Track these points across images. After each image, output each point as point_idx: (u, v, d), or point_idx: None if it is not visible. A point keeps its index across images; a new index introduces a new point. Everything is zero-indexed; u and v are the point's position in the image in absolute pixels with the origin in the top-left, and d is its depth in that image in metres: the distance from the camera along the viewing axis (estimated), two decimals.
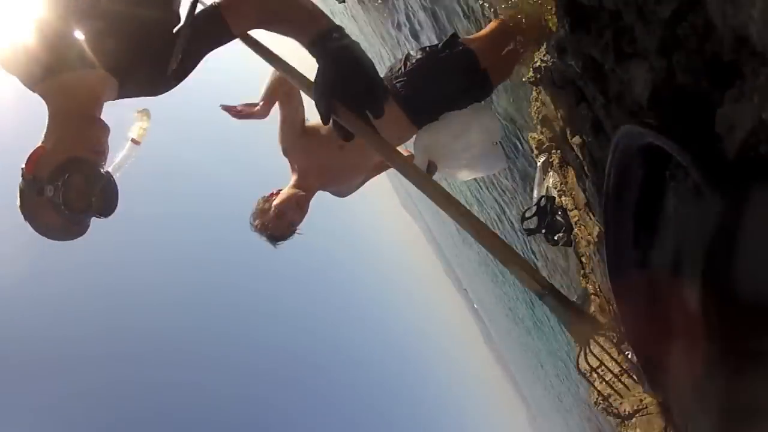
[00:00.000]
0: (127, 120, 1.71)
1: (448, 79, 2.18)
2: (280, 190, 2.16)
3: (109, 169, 1.33)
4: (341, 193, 2.32)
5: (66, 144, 1.23)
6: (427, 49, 2.30)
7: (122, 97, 1.42)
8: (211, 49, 1.44)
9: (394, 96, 2.16)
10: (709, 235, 0.79)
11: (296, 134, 2.10)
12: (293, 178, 2.16)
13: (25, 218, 1.27)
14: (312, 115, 1.94)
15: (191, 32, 1.33)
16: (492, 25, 2.60)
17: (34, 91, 1.27)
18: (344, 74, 1.16)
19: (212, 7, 1.40)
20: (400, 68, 2.25)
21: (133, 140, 1.64)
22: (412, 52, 2.31)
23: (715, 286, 0.80)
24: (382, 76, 2.27)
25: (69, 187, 1.18)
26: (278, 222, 2.06)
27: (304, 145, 2.11)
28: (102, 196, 1.25)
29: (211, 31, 1.39)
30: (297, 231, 2.14)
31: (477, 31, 2.72)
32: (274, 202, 2.08)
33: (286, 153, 2.16)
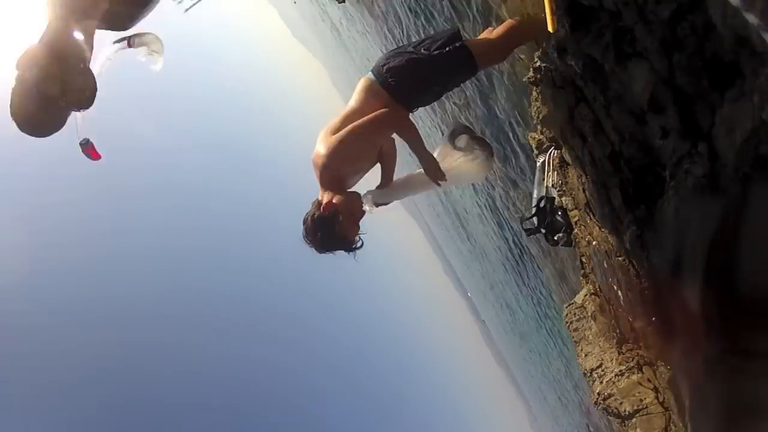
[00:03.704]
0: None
1: (437, 69, 2.28)
2: (321, 200, 2.19)
3: (90, 66, 1.37)
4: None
5: (52, 42, 1.28)
6: (423, 44, 2.36)
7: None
8: None
9: (386, 87, 2.26)
10: (711, 235, 0.79)
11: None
12: (338, 195, 2.23)
13: (10, 114, 1.32)
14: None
15: None
16: (499, 30, 2.61)
17: None
18: None
19: None
20: (390, 64, 2.34)
21: (129, 39, 1.59)
22: (410, 48, 2.36)
23: (716, 286, 0.80)
24: (375, 65, 2.34)
25: (44, 72, 1.24)
26: (353, 226, 2.13)
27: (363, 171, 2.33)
28: (78, 87, 1.30)
29: None
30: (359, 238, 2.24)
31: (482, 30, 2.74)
32: (342, 208, 2.13)
33: (345, 173, 2.26)
